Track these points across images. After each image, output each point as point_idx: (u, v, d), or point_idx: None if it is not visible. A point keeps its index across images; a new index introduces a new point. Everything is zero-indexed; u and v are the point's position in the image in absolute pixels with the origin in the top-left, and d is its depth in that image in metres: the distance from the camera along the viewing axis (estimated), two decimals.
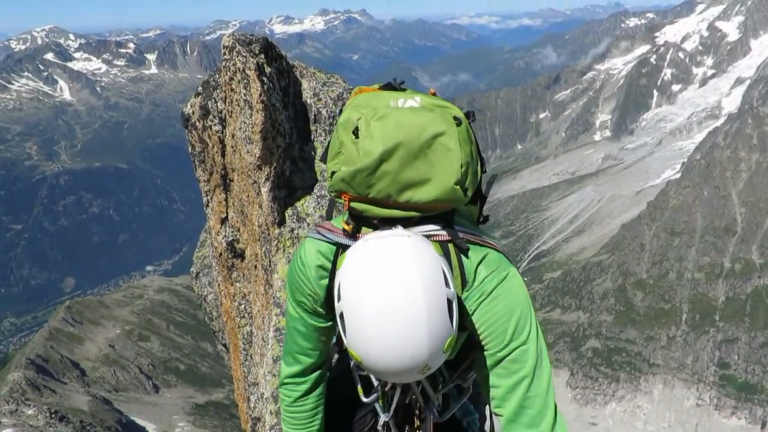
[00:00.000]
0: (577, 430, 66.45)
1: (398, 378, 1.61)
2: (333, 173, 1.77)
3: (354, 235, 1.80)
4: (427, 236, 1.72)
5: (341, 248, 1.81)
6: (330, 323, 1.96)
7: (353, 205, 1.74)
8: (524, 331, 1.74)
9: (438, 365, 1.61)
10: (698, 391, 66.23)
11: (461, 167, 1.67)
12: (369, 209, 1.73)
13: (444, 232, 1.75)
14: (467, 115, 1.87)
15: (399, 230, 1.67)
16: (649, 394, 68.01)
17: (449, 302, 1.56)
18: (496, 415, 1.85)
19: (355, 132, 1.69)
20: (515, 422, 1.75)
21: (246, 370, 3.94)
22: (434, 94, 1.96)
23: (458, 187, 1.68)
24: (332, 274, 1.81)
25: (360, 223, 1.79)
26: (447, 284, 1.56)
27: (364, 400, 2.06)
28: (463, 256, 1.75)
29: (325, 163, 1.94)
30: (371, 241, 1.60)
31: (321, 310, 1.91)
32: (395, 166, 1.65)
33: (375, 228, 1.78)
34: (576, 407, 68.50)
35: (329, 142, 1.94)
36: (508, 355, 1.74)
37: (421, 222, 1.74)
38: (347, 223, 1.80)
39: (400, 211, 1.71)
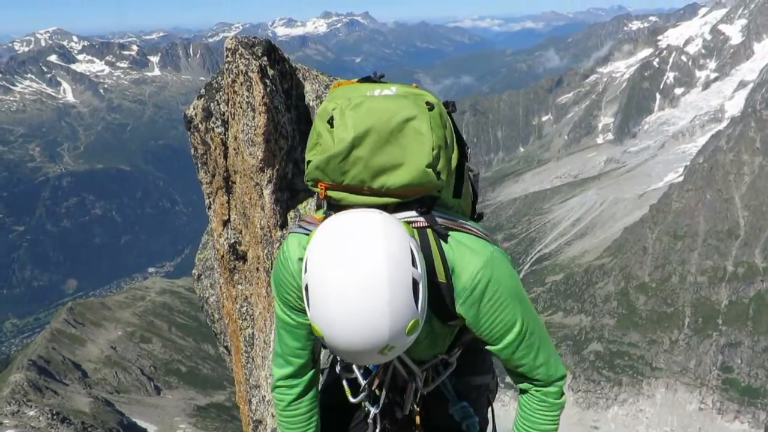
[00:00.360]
0: None
1: (359, 358, 1.61)
2: (307, 162, 1.78)
3: None
4: (406, 223, 1.72)
5: None
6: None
7: (330, 193, 1.75)
8: (517, 324, 1.81)
9: (402, 348, 1.61)
10: (701, 395, 66.02)
11: (432, 150, 1.68)
12: (345, 197, 1.73)
13: (421, 219, 1.75)
14: (446, 105, 1.89)
15: (371, 209, 1.67)
16: (651, 398, 67.81)
17: (415, 282, 1.56)
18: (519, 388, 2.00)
19: (330, 121, 1.72)
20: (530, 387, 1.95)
21: (247, 373, 3.93)
22: (416, 88, 1.97)
23: (430, 170, 1.68)
24: None
25: (338, 212, 1.77)
26: (414, 264, 1.56)
27: (352, 400, 2.08)
28: (442, 242, 1.76)
29: None
30: (341, 215, 1.62)
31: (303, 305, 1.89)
32: (367, 151, 1.66)
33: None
34: (578, 411, 68.30)
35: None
36: (506, 347, 1.84)
37: (398, 209, 1.74)
38: (325, 213, 1.79)
39: (376, 197, 1.72)
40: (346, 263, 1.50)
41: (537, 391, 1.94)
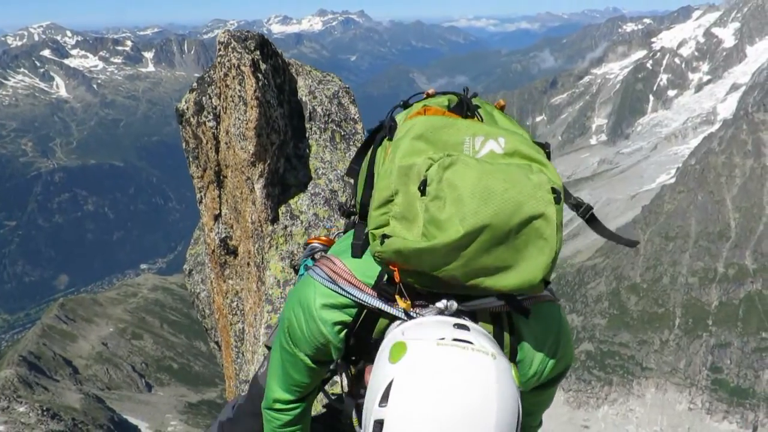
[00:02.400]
0: None
1: None
2: (383, 237, 1.38)
3: (389, 299, 1.50)
4: (487, 309, 1.48)
5: (370, 310, 1.55)
6: (330, 362, 1.76)
7: (405, 277, 1.42)
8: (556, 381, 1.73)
9: None
10: (690, 395, 66.43)
11: (552, 260, 1.33)
12: (422, 285, 1.42)
13: (502, 302, 1.46)
14: (546, 154, 1.52)
15: (477, 337, 1.30)
16: (641, 398, 68.17)
17: None
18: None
19: (422, 188, 1.33)
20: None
21: (238, 368, 3.93)
22: (503, 108, 1.77)
23: (544, 280, 1.35)
24: (357, 330, 1.59)
25: (402, 288, 1.47)
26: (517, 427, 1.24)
27: (359, 430, 1.86)
28: (520, 324, 1.55)
29: (355, 194, 1.72)
30: (446, 348, 1.24)
31: (330, 356, 1.69)
32: (474, 250, 1.30)
33: (417, 294, 1.47)
34: (568, 410, 68.61)
35: (374, 157, 1.70)
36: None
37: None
38: (399, 296, 1.47)
39: (461, 291, 1.41)
40: (455, 421, 1.15)
41: None
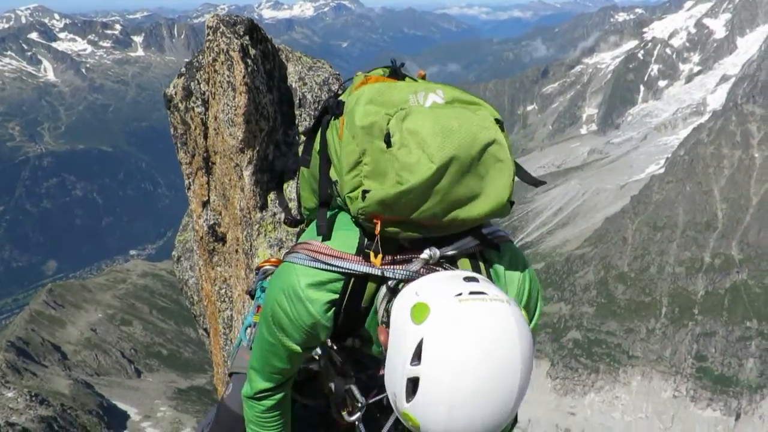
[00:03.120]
0: (556, 419, 67.42)
1: None
2: (364, 192, 1.51)
3: (373, 262, 1.58)
4: (465, 251, 1.61)
5: (357, 278, 1.61)
6: (313, 348, 1.83)
7: (387, 228, 1.54)
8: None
9: None
10: (675, 383, 67.35)
11: (512, 179, 1.54)
12: (401, 232, 1.54)
13: (477, 242, 1.62)
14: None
15: (488, 286, 1.41)
16: (627, 386, 69.03)
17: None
18: None
19: (387, 141, 1.49)
20: None
21: (226, 355, 3.93)
22: (424, 77, 1.87)
23: (509, 201, 1.54)
24: (346, 303, 1.64)
25: (384, 245, 1.57)
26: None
27: (348, 419, 1.97)
28: (492, 260, 1.68)
29: (326, 165, 1.75)
30: (468, 303, 1.34)
31: (318, 339, 1.74)
32: (447, 183, 1.45)
33: (400, 248, 1.59)
34: (556, 397, 69.40)
35: (324, 141, 1.77)
36: None
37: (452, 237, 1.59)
38: (374, 252, 1.57)
39: (437, 231, 1.55)
40: (487, 372, 1.28)
41: None
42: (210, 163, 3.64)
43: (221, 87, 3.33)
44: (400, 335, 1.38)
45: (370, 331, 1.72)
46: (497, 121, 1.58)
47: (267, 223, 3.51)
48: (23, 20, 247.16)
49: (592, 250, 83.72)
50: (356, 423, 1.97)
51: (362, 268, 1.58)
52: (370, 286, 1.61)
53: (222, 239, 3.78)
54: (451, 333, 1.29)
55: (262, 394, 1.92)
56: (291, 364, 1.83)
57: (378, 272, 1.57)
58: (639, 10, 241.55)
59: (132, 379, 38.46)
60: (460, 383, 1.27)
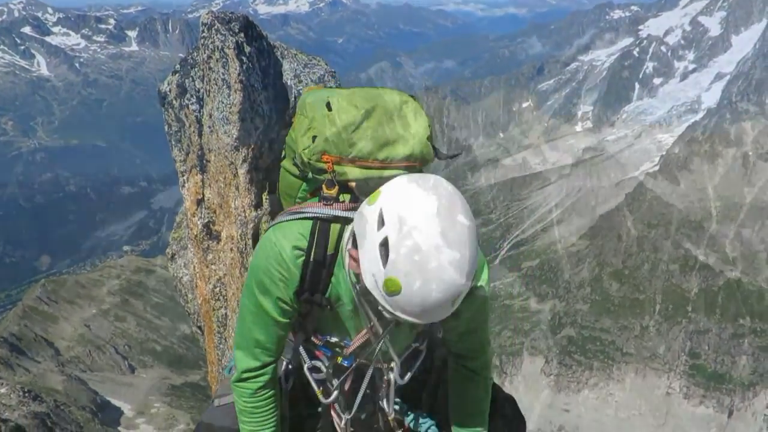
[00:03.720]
0: (550, 416, 67.65)
1: (432, 313, 1.59)
2: (314, 138, 1.91)
3: (334, 202, 1.88)
4: None
5: (320, 221, 1.87)
6: (290, 318, 1.97)
7: (336, 168, 1.89)
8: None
9: (461, 298, 1.62)
10: (669, 380, 67.72)
11: (429, 126, 1.96)
12: (350, 171, 1.89)
13: None
14: None
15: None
16: (621, 383, 69.35)
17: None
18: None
19: (329, 107, 1.92)
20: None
21: (220, 353, 3.93)
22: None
23: (429, 142, 1.94)
24: (315, 249, 1.86)
25: (335, 179, 1.92)
26: None
27: (324, 401, 2.10)
28: None
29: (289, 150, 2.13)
30: (413, 176, 1.65)
31: (289, 297, 1.89)
32: (374, 123, 1.88)
33: (355, 198, 1.90)
34: (550, 394, 69.63)
35: (287, 134, 2.12)
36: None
37: None
38: (328, 186, 1.89)
39: (381, 170, 1.89)
40: (447, 222, 1.51)
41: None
42: (204, 161, 3.62)
43: (216, 84, 3.31)
44: (363, 224, 1.63)
45: (339, 289, 1.90)
46: (410, 95, 2.03)
47: (262, 221, 3.50)
48: (16, 14, 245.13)
49: (587, 247, 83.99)
50: (334, 405, 2.15)
51: (325, 210, 1.86)
52: (334, 227, 1.86)
53: (216, 237, 3.76)
54: (404, 193, 1.57)
55: (248, 374, 2.02)
56: (272, 336, 1.97)
57: (323, 211, 1.86)
58: (634, 8, 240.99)
59: (126, 375, 38.35)
60: (423, 229, 1.49)
